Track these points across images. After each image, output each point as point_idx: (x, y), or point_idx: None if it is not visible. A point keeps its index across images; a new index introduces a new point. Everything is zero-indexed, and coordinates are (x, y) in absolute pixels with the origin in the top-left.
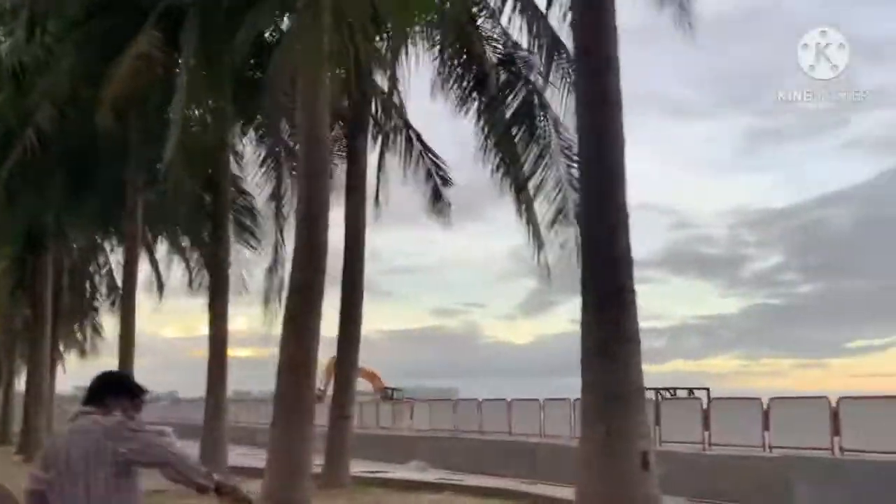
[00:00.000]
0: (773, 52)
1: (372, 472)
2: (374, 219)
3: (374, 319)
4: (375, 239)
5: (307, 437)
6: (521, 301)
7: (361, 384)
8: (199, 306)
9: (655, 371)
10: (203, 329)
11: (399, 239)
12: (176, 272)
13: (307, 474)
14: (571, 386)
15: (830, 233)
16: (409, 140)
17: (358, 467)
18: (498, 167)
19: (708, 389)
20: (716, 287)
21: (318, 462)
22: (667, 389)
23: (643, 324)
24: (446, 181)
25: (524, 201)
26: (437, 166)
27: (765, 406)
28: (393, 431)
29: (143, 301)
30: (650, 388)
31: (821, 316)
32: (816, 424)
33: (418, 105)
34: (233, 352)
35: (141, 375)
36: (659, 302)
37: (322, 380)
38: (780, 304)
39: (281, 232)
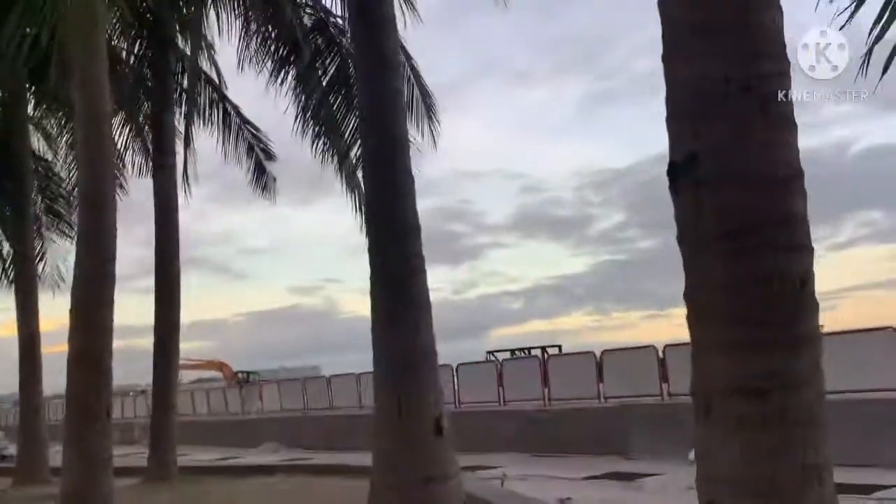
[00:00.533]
0: (608, 16)
1: (221, 458)
2: (187, 196)
3: (231, 302)
4: (226, 220)
5: (101, 434)
6: None
7: (213, 375)
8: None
9: (514, 332)
10: (49, 325)
11: (252, 219)
12: None
13: (105, 471)
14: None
15: (666, 189)
16: (226, 114)
17: (208, 455)
18: (318, 136)
19: (560, 346)
20: (566, 247)
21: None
22: (521, 349)
23: (500, 288)
24: (269, 155)
25: (346, 171)
26: (259, 140)
27: (598, 359)
28: (243, 416)
29: None
30: (506, 350)
31: (662, 268)
32: (646, 373)
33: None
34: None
35: None
36: (513, 265)
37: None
38: (624, 260)
39: None
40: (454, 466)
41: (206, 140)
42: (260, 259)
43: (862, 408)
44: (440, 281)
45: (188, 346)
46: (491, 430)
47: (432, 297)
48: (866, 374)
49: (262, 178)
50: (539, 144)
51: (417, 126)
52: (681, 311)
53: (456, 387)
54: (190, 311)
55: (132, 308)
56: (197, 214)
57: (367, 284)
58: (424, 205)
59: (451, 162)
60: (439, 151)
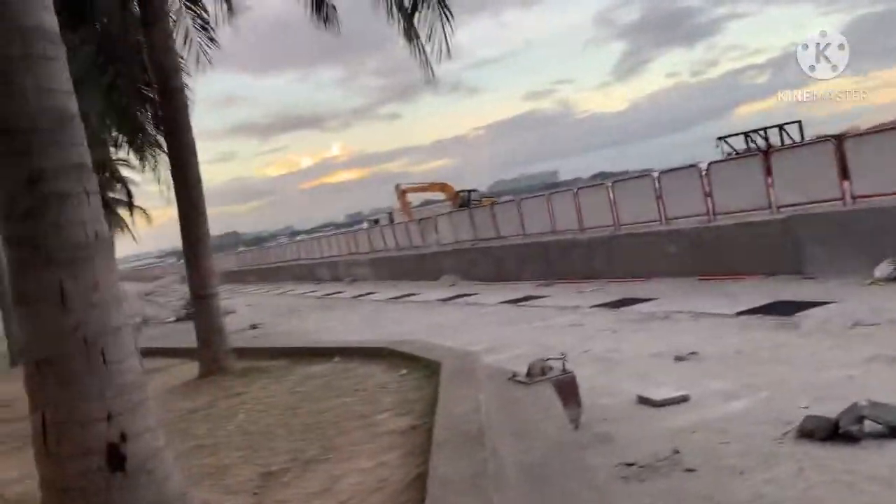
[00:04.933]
0: None
1: (397, 297)
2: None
3: (468, 117)
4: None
5: None
6: (612, 66)
7: (436, 197)
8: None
9: (761, 108)
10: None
11: (478, 30)
12: None
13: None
14: (671, 145)
15: None
16: None
17: (389, 293)
18: None
19: (799, 122)
20: (816, 6)
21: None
22: (755, 132)
23: (743, 62)
24: None
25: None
26: None
27: (766, 162)
28: (422, 250)
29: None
30: (739, 134)
31: None
32: (823, 173)
33: None
34: (338, 176)
35: (265, 214)
36: (756, 36)
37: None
38: (883, 11)
39: None
40: None
41: None
42: (490, 70)
43: None
44: (674, 64)
45: (430, 167)
46: (652, 253)
47: (668, 82)
48: None
49: (321, 8)
50: None
51: None
52: None
53: (614, 208)
54: (430, 131)
55: (378, 134)
56: None
57: (601, 80)
58: None
59: None
60: None
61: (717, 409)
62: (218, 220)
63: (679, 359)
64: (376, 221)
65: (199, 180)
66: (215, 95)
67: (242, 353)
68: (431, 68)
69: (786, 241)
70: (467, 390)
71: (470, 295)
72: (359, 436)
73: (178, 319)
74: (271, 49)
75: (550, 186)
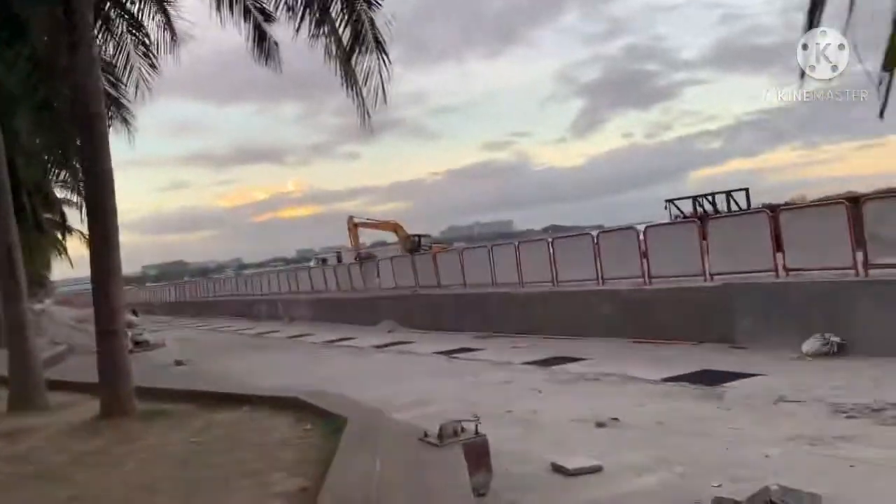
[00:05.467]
0: None
1: (338, 339)
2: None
3: (426, 162)
4: (417, 80)
5: None
6: (570, 122)
7: (388, 237)
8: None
9: (714, 173)
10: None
11: (442, 77)
12: None
13: None
14: (623, 203)
15: (884, 4)
16: None
17: (328, 335)
18: None
19: (747, 190)
20: (772, 78)
21: None
22: (704, 196)
23: (698, 128)
24: (268, 16)
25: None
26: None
27: (703, 229)
28: (364, 293)
29: None
30: (687, 198)
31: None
32: (757, 243)
33: None
34: (291, 212)
35: (214, 245)
36: (712, 103)
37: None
38: (837, 87)
39: None
40: None
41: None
42: (452, 117)
43: None
44: (630, 125)
45: (386, 208)
46: (587, 313)
47: (623, 142)
48: None
49: (263, 44)
50: None
51: None
52: None
53: (554, 265)
54: (389, 173)
55: (336, 172)
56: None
57: (559, 135)
58: (613, 46)
59: None
60: None
61: (630, 483)
62: (165, 248)
63: (600, 425)
64: (324, 260)
65: (113, 211)
66: (172, 123)
67: (150, 393)
68: (367, 112)
69: (717, 310)
70: (366, 453)
71: (405, 343)
72: (245, 497)
73: None
74: (234, 79)
75: (505, 236)
